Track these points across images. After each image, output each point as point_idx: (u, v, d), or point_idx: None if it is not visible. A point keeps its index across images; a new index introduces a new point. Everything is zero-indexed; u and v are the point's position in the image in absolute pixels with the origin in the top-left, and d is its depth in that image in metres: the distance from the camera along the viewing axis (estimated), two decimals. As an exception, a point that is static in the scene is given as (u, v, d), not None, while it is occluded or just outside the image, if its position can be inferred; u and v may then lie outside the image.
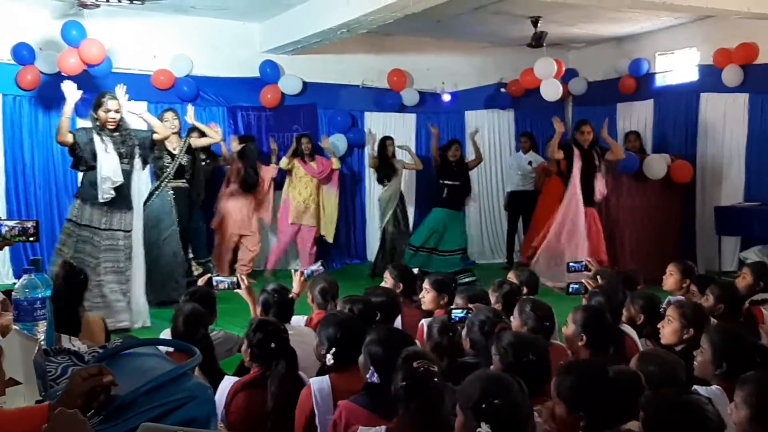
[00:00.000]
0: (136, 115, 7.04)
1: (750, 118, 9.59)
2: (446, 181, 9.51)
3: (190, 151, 8.16)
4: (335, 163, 9.78)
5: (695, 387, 3.15)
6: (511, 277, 5.44)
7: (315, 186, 9.61)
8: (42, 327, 2.39)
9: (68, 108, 6.49)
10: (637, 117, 10.88)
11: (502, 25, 10.04)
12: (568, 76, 11.20)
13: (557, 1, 7.72)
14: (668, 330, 3.92)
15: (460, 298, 4.59)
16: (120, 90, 6.80)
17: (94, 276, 6.36)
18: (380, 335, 3.22)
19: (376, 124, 10.73)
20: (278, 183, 9.62)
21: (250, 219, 9.18)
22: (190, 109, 8.39)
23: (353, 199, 10.80)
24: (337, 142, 10.23)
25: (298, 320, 4.62)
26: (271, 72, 9.99)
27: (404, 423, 2.74)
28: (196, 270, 8.33)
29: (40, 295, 2.41)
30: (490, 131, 11.38)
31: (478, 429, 2.36)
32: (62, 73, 8.30)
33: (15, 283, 2.61)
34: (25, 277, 2.42)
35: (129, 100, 6.93)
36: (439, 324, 3.98)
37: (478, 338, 3.73)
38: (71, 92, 6.49)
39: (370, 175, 10.29)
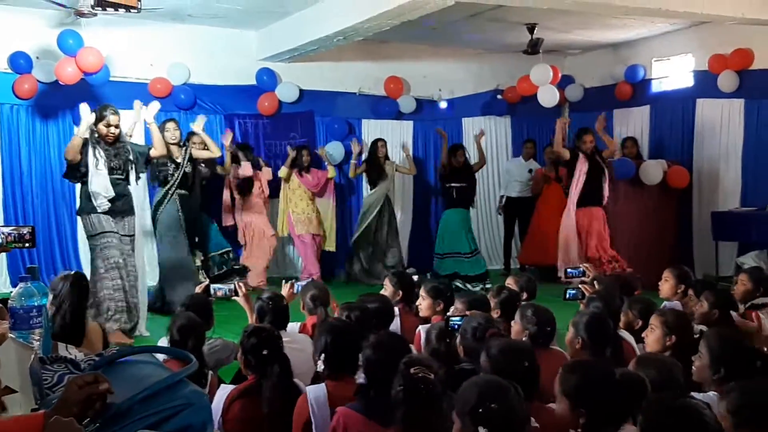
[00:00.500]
0: (146, 122, 7.10)
1: (746, 123, 9.63)
2: (453, 184, 9.56)
3: (191, 159, 8.18)
4: (331, 171, 9.80)
5: (692, 394, 3.16)
6: (510, 282, 5.43)
7: (310, 197, 9.63)
8: (38, 335, 2.39)
9: (83, 129, 6.53)
10: (633, 123, 10.90)
11: (499, 32, 10.07)
12: (564, 82, 11.23)
13: (553, 8, 7.74)
14: (651, 338, 3.93)
15: (460, 303, 4.59)
16: (153, 109, 6.98)
17: (124, 275, 6.51)
18: (375, 340, 3.23)
19: (374, 131, 10.73)
20: (272, 190, 9.64)
21: (267, 225, 9.34)
22: (201, 119, 8.40)
23: (351, 207, 10.79)
24: (334, 149, 10.25)
25: (292, 327, 4.62)
26: (267, 80, 10.00)
27: (402, 429, 2.74)
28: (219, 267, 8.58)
29: (36, 303, 2.41)
30: (487, 138, 11.34)
31: None
32: (59, 82, 8.31)
33: (12, 292, 2.61)
34: (21, 285, 2.42)
35: (128, 108, 7.01)
36: (436, 331, 3.98)
37: (471, 344, 3.74)
38: (86, 115, 6.54)
39: (366, 184, 10.29)
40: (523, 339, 4.08)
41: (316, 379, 3.57)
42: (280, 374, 3.45)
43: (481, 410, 2.38)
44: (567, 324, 4.04)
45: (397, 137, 10.80)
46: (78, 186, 6.88)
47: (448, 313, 4.52)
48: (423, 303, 5.05)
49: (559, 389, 2.82)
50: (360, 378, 3.09)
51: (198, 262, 8.31)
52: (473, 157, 10.05)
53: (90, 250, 6.78)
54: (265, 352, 3.48)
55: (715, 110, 9.88)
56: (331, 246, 9.97)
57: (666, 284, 5.41)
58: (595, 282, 5.49)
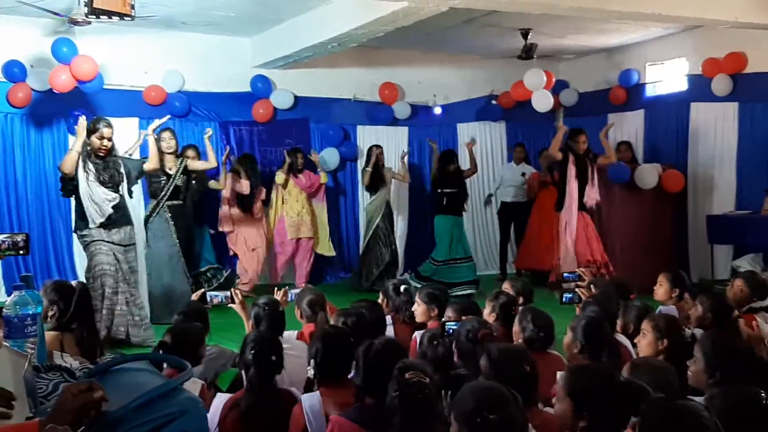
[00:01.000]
0: (147, 134, 7.13)
1: (740, 126, 9.64)
2: (445, 190, 9.56)
3: (185, 171, 8.17)
4: (323, 177, 9.82)
5: (689, 398, 3.16)
6: (507, 287, 5.43)
7: (305, 198, 9.64)
8: (33, 343, 2.38)
9: (79, 143, 6.54)
10: (628, 127, 10.92)
11: (493, 38, 10.09)
12: (558, 87, 11.25)
13: (547, 13, 7.75)
14: (644, 343, 3.93)
15: (452, 310, 4.59)
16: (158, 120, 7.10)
17: (113, 283, 6.56)
18: (370, 346, 3.23)
19: (369, 137, 10.74)
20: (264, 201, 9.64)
21: (258, 235, 9.30)
22: (209, 131, 8.48)
23: (346, 213, 10.80)
24: (329, 156, 10.26)
25: (289, 335, 4.61)
26: (262, 87, 10.00)
27: (398, 435, 2.74)
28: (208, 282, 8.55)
29: (30, 312, 2.40)
30: (481, 143, 11.38)
31: None
32: (54, 91, 8.30)
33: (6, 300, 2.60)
34: (15, 293, 2.41)
35: (122, 116, 7.02)
36: (431, 336, 3.98)
37: (465, 347, 3.74)
38: (83, 130, 6.53)
39: (362, 189, 10.30)
40: (519, 341, 4.09)
41: (309, 384, 3.57)
42: (258, 377, 3.44)
43: (478, 419, 2.37)
44: (564, 328, 4.05)
45: (392, 143, 10.81)
46: (72, 201, 6.89)
47: (443, 318, 4.52)
48: (418, 309, 5.07)
49: (564, 390, 2.82)
50: (355, 377, 3.09)
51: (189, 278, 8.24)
52: (465, 164, 10.07)
53: (88, 258, 6.79)
54: (252, 354, 3.47)
55: (709, 114, 9.90)
56: (326, 250, 9.97)
57: (661, 288, 5.42)
58: (591, 286, 5.49)
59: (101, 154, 6.59)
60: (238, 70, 9.88)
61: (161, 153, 7.79)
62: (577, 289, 5.30)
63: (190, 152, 8.48)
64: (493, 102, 11.59)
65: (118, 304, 6.60)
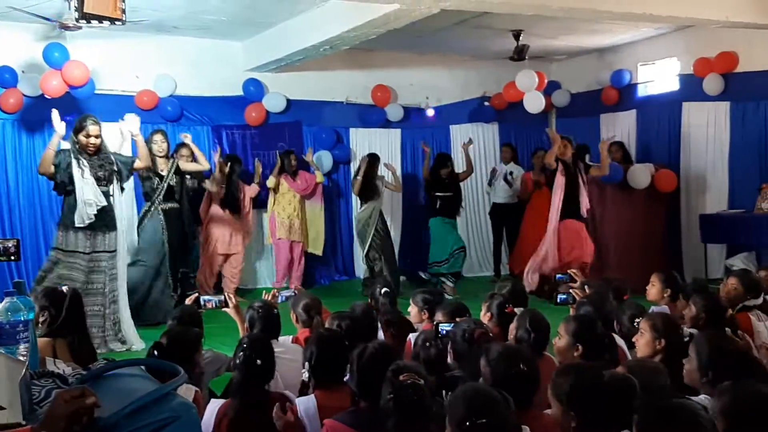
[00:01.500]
0: (132, 134, 7.04)
1: (732, 126, 9.67)
2: (438, 193, 9.57)
3: (179, 171, 8.15)
4: (319, 177, 9.83)
5: (687, 397, 3.16)
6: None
7: (298, 202, 9.64)
8: (24, 350, 2.37)
9: (55, 141, 6.49)
10: (620, 127, 10.92)
11: (484, 39, 10.10)
12: (551, 88, 11.28)
13: (538, 15, 7.76)
14: (642, 342, 3.94)
15: (442, 314, 4.59)
16: (134, 122, 6.93)
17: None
18: (364, 350, 3.23)
19: (362, 140, 10.75)
20: (257, 202, 9.64)
21: (235, 238, 9.17)
22: (187, 137, 8.45)
23: (339, 215, 10.80)
24: (323, 159, 10.25)
25: (284, 339, 4.60)
26: (254, 90, 9.99)
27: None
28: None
29: (22, 318, 2.38)
30: (474, 145, 11.35)
31: None
32: (45, 96, 8.28)
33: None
34: (7, 300, 2.39)
35: (114, 121, 6.99)
36: (424, 338, 3.97)
37: (461, 347, 3.74)
38: (58, 126, 6.48)
39: (355, 197, 10.27)
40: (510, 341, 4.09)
41: (303, 388, 3.56)
42: (242, 377, 3.42)
43: (468, 423, 2.37)
44: (554, 329, 4.05)
45: (385, 146, 10.82)
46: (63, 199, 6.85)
47: (438, 319, 4.53)
48: (412, 311, 5.16)
49: (551, 393, 2.83)
50: (350, 380, 3.08)
51: (178, 275, 8.19)
52: (461, 166, 10.08)
53: (46, 260, 6.68)
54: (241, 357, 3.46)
55: (701, 113, 9.92)
56: (317, 249, 9.95)
57: (653, 288, 5.44)
58: (585, 286, 5.49)
59: (90, 152, 6.56)
60: (230, 74, 9.87)
61: (153, 155, 7.79)
62: (571, 290, 5.31)
63: (184, 150, 8.44)
64: (486, 103, 11.59)
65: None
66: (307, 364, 3.44)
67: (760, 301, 5.11)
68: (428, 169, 9.84)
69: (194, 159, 8.36)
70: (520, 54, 9.97)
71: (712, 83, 9.61)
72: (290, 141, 10.23)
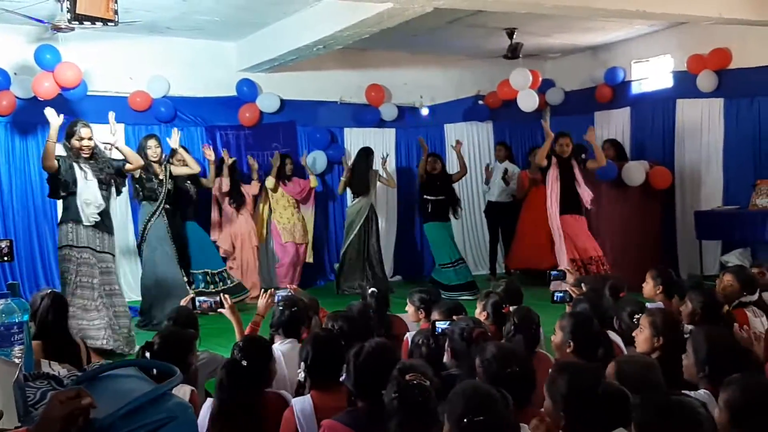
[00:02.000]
0: (111, 145, 6.92)
1: (726, 122, 9.68)
2: (429, 197, 9.52)
3: (172, 176, 8.14)
4: (313, 181, 9.79)
5: (683, 392, 3.17)
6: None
7: (294, 204, 9.62)
8: (19, 351, 2.36)
9: (53, 133, 6.40)
10: (614, 125, 10.95)
11: (478, 38, 10.10)
12: (545, 86, 11.29)
13: (532, 13, 7.76)
14: (641, 338, 3.94)
15: (438, 312, 4.59)
16: (111, 118, 6.88)
17: (92, 295, 6.38)
18: (362, 349, 3.22)
19: (356, 139, 10.74)
20: (254, 200, 9.61)
21: (251, 238, 9.27)
22: (175, 133, 8.30)
23: (334, 215, 10.78)
24: (317, 159, 10.25)
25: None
26: (248, 90, 9.98)
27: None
28: (216, 285, 8.52)
29: (17, 320, 2.38)
30: (469, 144, 11.38)
31: None
32: (38, 98, 8.25)
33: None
34: (1, 302, 2.39)
35: (108, 123, 6.94)
36: (422, 337, 3.97)
37: (459, 346, 3.74)
38: (53, 118, 6.41)
39: (348, 192, 10.27)
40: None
41: (299, 388, 3.55)
42: (226, 375, 3.41)
43: (466, 421, 2.37)
44: (552, 327, 4.05)
45: (379, 145, 10.79)
46: (60, 201, 6.79)
47: (435, 317, 4.52)
48: (409, 310, 5.16)
49: (546, 388, 2.83)
50: (346, 380, 3.08)
51: (185, 278, 8.22)
52: (454, 167, 10.06)
53: (60, 261, 6.54)
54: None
55: (695, 110, 9.93)
56: (308, 257, 9.95)
57: (647, 285, 5.44)
58: (582, 284, 5.50)
59: (85, 155, 6.53)
60: (223, 75, 9.86)
61: (148, 160, 7.77)
62: (568, 288, 5.31)
63: (178, 156, 8.43)
64: (480, 102, 11.59)
65: (106, 317, 6.50)
66: (303, 364, 3.44)
67: (755, 297, 5.12)
68: (425, 166, 9.78)
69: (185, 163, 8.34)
70: (513, 52, 9.96)
71: (706, 80, 9.62)
72: (284, 141, 10.21)
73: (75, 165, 6.43)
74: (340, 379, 3.38)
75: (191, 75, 9.66)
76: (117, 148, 6.88)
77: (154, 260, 7.82)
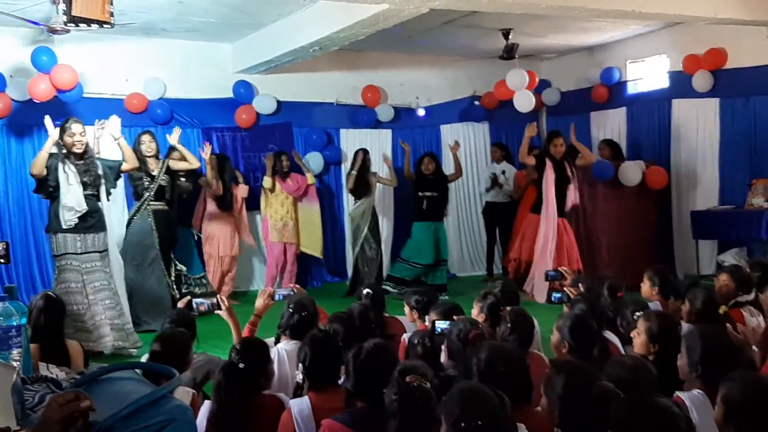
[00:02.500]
0: (113, 137, 7.02)
1: (721, 122, 9.70)
2: (424, 193, 9.52)
3: (169, 172, 8.12)
4: (310, 178, 9.76)
5: (677, 393, 3.19)
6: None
7: (291, 203, 9.60)
8: (17, 355, 2.35)
9: (48, 145, 6.50)
10: (610, 125, 10.97)
11: (474, 39, 10.11)
12: (541, 86, 11.30)
13: (527, 13, 7.77)
14: (638, 342, 3.96)
15: (435, 313, 4.59)
16: (114, 124, 6.92)
17: (82, 299, 6.46)
18: (361, 349, 3.22)
19: (352, 140, 10.73)
20: (248, 202, 9.57)
21: (233, 239, 9.19)
22: (176, 131, 8.28)
23: (331, 216, 10.77)
24: (313, 160, 10.26)
25: (271, 341, 4.57)
26: (244, 92, 9.98)
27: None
28: (190, 287, 8.42)
29: (15, 323, 2.37)
30: (465, 144, 11.39)
31: None
32: (33, 100, 8.24)
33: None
34: (-1, 305, 2.38)
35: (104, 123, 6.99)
36: (418, 337, 3.97)
37: (456, 347, 3.74)
38: (52, 130, 6.51)
39: (347, 192, 10.28)
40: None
41: (297, 390, 3.55)
42: (224, 378, 3.42)
43: (463, 424, 2.37)
44: (551, 327, 4.05)
45: (375, 146, 10.79)
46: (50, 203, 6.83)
47: (433, 318, 4.52)
48: (406, 311, 5.17)
49: (543, 388, 2.84)
50: (345, 383, 3.08)
51: (172, 277, 8.19)
52: (450, 168, 10.07)
53: (56, 272, 6.74)
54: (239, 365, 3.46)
55: (691, 110, 9.95)
56: (316, 251, 9.92)
57: (644, 286, 5.45)
58: (579, 284, 5.50)
59: (78, 151, 6.55)
60: (219, 76, 9.86)
61: (143, 156, 7.79)
62: (565, 288, 5.31)
63: (177, 153, 8.42)
64: (476, 103, 11.60)
65: (97, 315, 6.53)
66: (301, 365, 3.44)
67: (751, 296, 5.13)
68: (409, 169, 9.81)
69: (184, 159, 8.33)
70: (509, 53, 9.97)
71: (701, 80, 9.64)
72: (281, 142, 10.21)
73: (61, 166, 6.46)
74: (339, 382, 3.38)
75: (187, 77, 9.66)
76: (119, 145, 6.97)
77: (135, 262, 7.75)
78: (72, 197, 6.48)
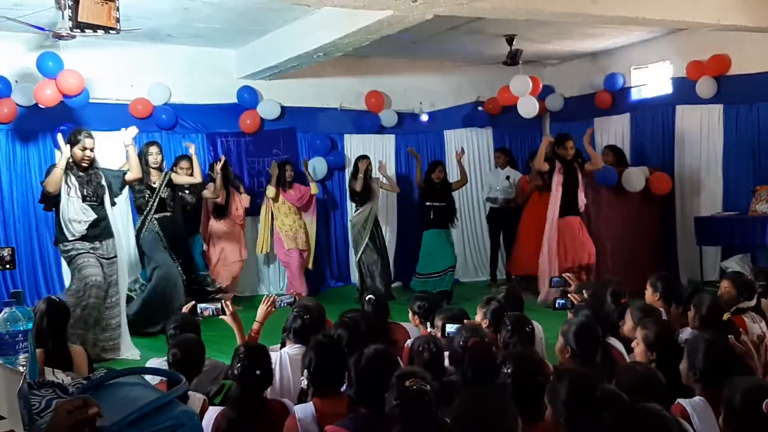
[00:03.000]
0: (124, 144, 7.03)
1: (725, 128, 9.69)
2: (432, 203, 9.52)
3: (170, 184, 8.13)
4: (313, 188, 9.74)
5: (678, 400, 3.20)
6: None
7: (295, 212, 9.61)
8: (24, 360, 2.36)
9: (62, 162, 6.52)
10: (614, 131, 10.97)
11: (478, 44, 10.12)
12: (544, 92, 11.30)
13: (531, 19, 7.78)
14: (637, 351, 4.00)
15: (440, 318, 4.60)
16: (132, 132, 6.96)
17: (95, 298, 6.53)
18: (363, 355, 3.23)
19: (356, 146, 10.75)
20: (251, 209, 9.62)
21: (240, 246, 9.26)
22: (192, 147, 8.42)
23: (335, 221, 10.79)
24: (317, 165, 10.25)
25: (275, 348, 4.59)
26: (249, 97, 10.00)
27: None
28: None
29: (21, 328, 2.38)
30: (469, 150, 11.37)
31: None
32: (39, 105, 8.26)
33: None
34: (6, 310, 2.39)
35: (109, 130, 7.01)
36: (421, 343, 3.98)
37: (456, 353, 3.76)
38: (64, 147, 6.56)
39: (350, 202, 10.25)
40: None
41: (302, 395, 3.56)
42: (241, 389, 3.43)
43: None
44: (556, 334, 4.06)
45: (379, 151, 10.81)
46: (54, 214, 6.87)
47: (442, 321, 4.54)
48: (410, 316, 5.20)
49: (547, 396, 2.85)
50: (348, 390, 3.08)
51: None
52: (455, 175, 10.06)
53: (71, 274, 6.77)
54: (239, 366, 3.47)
55: (695, 116, 9.95)
56: (308, 262, 9.91)
57: (647, 292, 5.45)
58: (583, 290, 5.50)
59: (84, 165, 6.57)
60: (224, 82, 9.88)
61: (147, 167, 7.80)
62: (569, 295, 5.32)
63: (184, 163, 8.44)
64: (480, 108, 11.61)
65: (105, 319, 6.57)
66: (306, 371, 3.44)
67: (753, 303, 5.13)
68: (421, 177, 9.82)
69: (191, 173, 8.35)
70: (513, 59, 9.98)
71: (705, 86, 9.65)
72: (285, 148, 10.23)
73: (64, 177, 6.49)
74: (341, 390, 3.39)
75: (192, 82, 9.68)
76: (128, 152, 6.98)
77: (150, 271, 7.82)
78: (73, 209, 6.51)
